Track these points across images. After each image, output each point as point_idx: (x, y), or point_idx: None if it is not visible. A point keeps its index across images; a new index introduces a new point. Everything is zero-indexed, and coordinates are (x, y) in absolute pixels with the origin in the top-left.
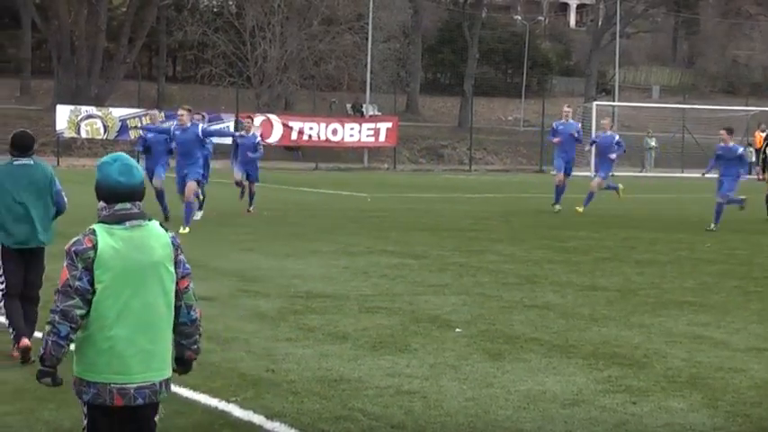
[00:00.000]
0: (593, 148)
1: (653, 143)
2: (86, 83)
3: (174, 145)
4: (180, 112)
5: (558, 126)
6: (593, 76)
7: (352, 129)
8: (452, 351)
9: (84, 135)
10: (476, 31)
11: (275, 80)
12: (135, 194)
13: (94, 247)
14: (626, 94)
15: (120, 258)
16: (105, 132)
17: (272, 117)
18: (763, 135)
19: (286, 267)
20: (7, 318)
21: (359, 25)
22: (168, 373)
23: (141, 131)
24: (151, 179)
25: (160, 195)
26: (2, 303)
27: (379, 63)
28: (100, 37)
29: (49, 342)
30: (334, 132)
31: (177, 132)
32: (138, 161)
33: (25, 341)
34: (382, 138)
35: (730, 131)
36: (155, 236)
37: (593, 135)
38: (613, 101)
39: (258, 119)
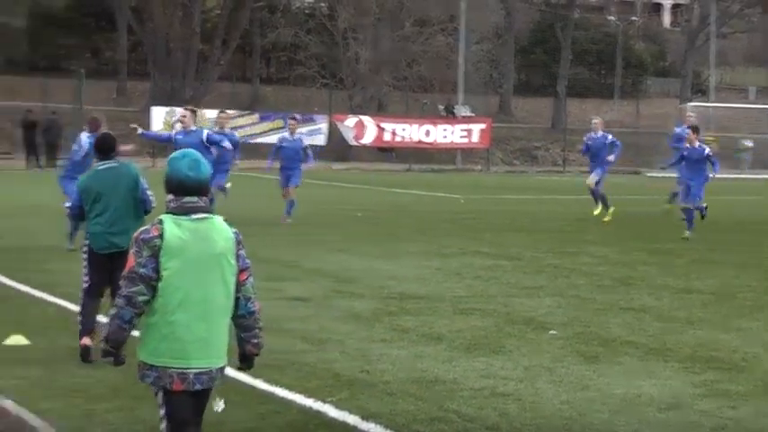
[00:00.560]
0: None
1: (749, 144)
2: (181, 84)
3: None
4: (182, 113)
5: (588, 140)
6: (688, 77)
7: (444, 130)
8: (547, 353)
9: None
10: (569, 32)
11: (368, 81)
12: (202, 188)
13: (161, 236)
14: (722, 95)
15: (185, 248)
16: None
17: (365, 118)
18: None
19: (380, 268)
20: (80, 313)
21: (451, 26)
22: (224, 361)
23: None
24: None
25: None
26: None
27: (471, 64)
28: (194, 39)
29: (114, 325)
30: (427, 133)
31: (179, 137)
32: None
33: (86, 340)
34: (475, 139)
35: (696, 130)
36: (218, 229)
37: (585, 138)
38: (708, 102)
39: (351, 120)
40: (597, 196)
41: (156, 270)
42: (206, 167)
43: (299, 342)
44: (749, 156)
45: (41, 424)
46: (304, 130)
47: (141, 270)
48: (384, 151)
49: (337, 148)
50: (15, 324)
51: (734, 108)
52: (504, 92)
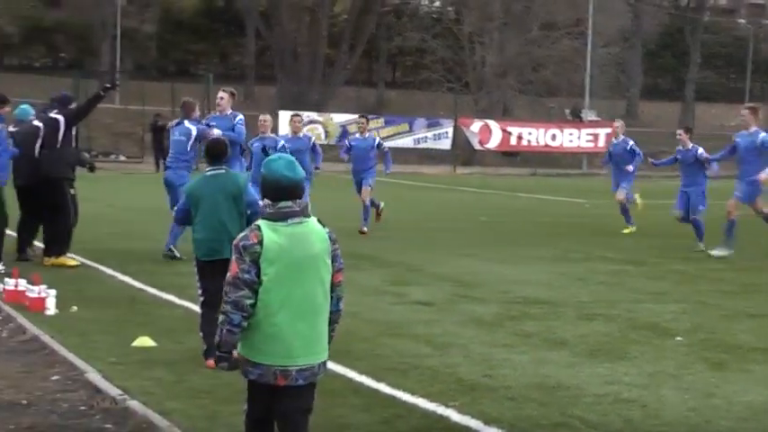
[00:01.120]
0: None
1: None
2: (308, 89)
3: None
4: (219, 95)
5: (610, 146)
6: None
7: (571, 134)
8: (672, 360)
9: None
10: (698, 36)
11: (493, 86)
12: (297, 190)
13: (260, 243)
14: None
15: (283, 253)
16: (326, 138)
17: (491, 122)
18: None
19: (503, 273)
20: (201, 329)
21: (578, 30)
22: (325, 356)
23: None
24: None
25: None
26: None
27: (598, 68)
28: (321, 43)
29: (224, 330)
30: (553, 138)
31: (213, 123)
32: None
33: (211, 362)
34: (602, 143)
35: (688, 131)
36: (314, 231)
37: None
38: None
39: (477, 124)
40: (624, 211)
41: (258, 275)
42: (300, 169)
43: (423, 346)
44: None
45: (166, 424)
46: (429, 134)
47: (245, 276)
48: (509, 155)
49: (462, 153)
50: (142, 326)
51: None
52: (630, 96)
